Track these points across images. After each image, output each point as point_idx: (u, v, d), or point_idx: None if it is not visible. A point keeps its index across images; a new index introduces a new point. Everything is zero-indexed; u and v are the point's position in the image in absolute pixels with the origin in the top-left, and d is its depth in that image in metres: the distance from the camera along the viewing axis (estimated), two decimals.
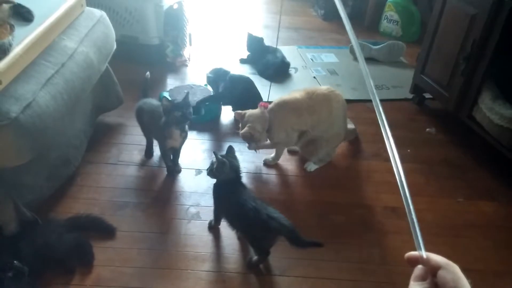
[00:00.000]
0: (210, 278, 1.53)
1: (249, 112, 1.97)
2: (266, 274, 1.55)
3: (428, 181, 2.07)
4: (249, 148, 2.04)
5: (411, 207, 0.62)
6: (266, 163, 2.10)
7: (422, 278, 0.57)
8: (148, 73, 2.09)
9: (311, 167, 2.07)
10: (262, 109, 1.97)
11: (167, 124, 1.81)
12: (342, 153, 2.22)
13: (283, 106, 1.97)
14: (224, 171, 1.56)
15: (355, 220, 1.82)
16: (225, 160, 1.56)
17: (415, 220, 0.60)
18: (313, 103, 1.95)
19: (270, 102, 2.05)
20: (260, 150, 2.13)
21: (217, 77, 2.38)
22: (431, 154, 2.26)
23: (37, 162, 1.48)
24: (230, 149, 1.64)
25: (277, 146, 2.08)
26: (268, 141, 2.05)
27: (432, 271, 0.57)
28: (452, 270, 0.56)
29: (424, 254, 0.58)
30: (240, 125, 2.00)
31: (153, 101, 2.00)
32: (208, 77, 2.41)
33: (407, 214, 0.61)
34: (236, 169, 1.61)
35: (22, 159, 1.36)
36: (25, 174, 1.46)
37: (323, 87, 2.04)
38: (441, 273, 0.56)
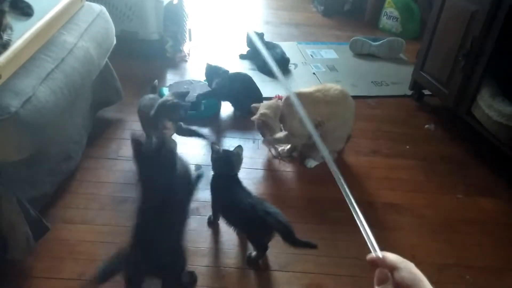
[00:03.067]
0: (210, 273, 1.53)
1: (263, 103, 2.01)
2: (266, 269, 1.55)
3: (427, 177, 2.07)
4: (265, 141, 2.04)
5: (357, 209, 0.63)
6: (281, 155, 2.12)
7: (384, 281, 0.57)
8: (156, 81, 2.10)
9: (311, 163, 2.07)
10: (276, 100, 2.00)
11: (157, 116, 1.80)
12: (342, 149, 2.21)
13: (298, 96, 1.95)
14: (219, 163, 1.58)
15: (354, 216, 1.82)
16: (220, 149, 1.59)
17: (364, 221, 0.62)
18: (330, 95, 1.96)
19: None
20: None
21: (213, 72, 2.37)
22: (430, 150, 2.27)
23: (37, 157, 1.48)
24: (238, 147, 1.64)
25: (293, 140, 2.05)
26: (283, 134, 2.03)
27: (390, 271, 0.57)
28: (406, 268, 0.56)
29: (380, 254, 0.59)
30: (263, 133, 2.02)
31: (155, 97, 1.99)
32: (206, 70, 2.41)
33: (355, 216, 0.63)
34: (230, 163, 1.60)
35: (22, 154, 1.36)
36: (26, 169, 1.46)
37: (338, 86, 2.04)
38: (396, 273, 0.56)
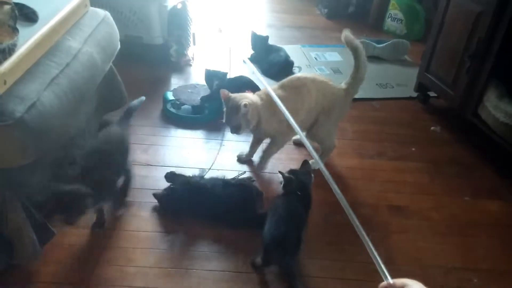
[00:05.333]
0: (214, 277, 1.52)
1: (240, 94, 1.89)
2: (270, 273, 1.55)
3: (433, 180, 2.05)
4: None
5: (371, 245, 0.75)
6: (241, 159, 2.10)
7: None
8: (143, 97, 1.92)
9: (316, 164, 2.06)
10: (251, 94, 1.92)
11: None
12: (346, 152, 2.21)
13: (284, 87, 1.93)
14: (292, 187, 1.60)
15: (359, 219, 1.80)
16: (292, 177, 1.61)
17: (375, 252, 0.72)
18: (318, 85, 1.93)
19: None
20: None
21: (213, 76, 2.38)
22: (436, 152, 2.25)
23: (42, 162, 1.48)
24: (305, 163, 1.65)
25: (278, 142, 2.02)
26: (271, 147, 2.01)
27: None
28: (415, 284, 0.66)
29: (391, 280, 0.71)
30: (224, 107, 1.89)
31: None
32: (205, 75, 2.40)
33: (368, 250, 0.75)
34: (304, 186, 1.63)
35: (27, 159, 1.36)
36: (30, 173, 1.46)
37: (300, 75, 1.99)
38: None
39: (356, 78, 2.00)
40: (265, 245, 1.47)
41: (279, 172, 1.64)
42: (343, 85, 2.00)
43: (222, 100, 1.88)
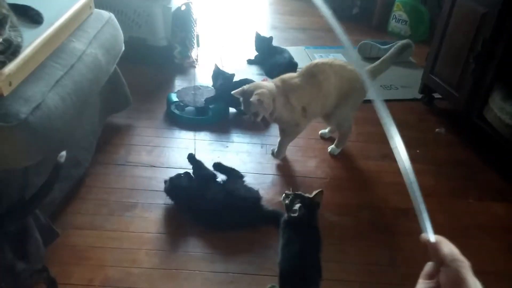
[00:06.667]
0: (218, 278, 1.52)
1: (253, 83, 1.95)
2: (275, 275, 1.54)
3: (437, 182, 2.04)
4: (255, 119, 1.93)
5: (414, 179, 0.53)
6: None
7: (430, 277, 0.49)
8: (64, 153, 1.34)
9: (334, 150, 2.12)
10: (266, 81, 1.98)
11: None
12: (351, 154, 2.20)
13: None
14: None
15: (364, 222, 1.81)
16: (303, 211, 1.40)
17: (418, 195, 0.52)
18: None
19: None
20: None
21: (220, 74, 2.43)
22: (440, 154, 2.24)
23: (47, 163, 1.49)
24: (320, 194, 1.44)
25: (293, 130, 2.03)
26: (285, 137, 2.03)
27: (439, 264, 0.48)
28: (455, 268, 0.47)
29: (433, 238, 0.48)
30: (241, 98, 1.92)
31: None
32: (213, 71, 2.46)
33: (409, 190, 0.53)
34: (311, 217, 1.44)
35: (32, 160, 1.37)
36: (35, 175, 1.47)
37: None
38: (442, 271, 0.47)
39: (377, 68, 2.08)
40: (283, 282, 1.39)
41: (286, 193, 1.47)
42: None
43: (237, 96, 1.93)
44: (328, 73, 1.94)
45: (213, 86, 2.46)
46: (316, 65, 1.97)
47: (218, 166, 1.83)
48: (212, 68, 2.48)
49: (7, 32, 1.30)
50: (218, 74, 2.44)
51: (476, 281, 0.46)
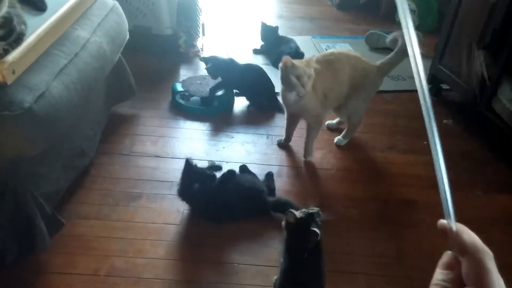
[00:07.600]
0: (223, 269, 1.52)
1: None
2: (279, 266, 1.53)
3: None
4: (299, 92, 1.82)
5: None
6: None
7: (449, 267, 0.45)
8: None
9: (341, 141, 2.12)
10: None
11: None
12: (357, 145, 2.18)
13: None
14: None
15: (370, 213, 1.79)
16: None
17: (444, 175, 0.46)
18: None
19: None
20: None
21: (216, 64, 2.32)
22: (448, 146, 2.21)
23: (51, 152, 1.48)
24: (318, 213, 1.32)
25: (316, 120, 2.00)
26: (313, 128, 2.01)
27: (460, 253, 0.44)
28: (478, 259, 0.43)
29: (454, 226, 0.44)
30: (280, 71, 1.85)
31: None
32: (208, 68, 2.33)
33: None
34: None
35: (36, 149, 1.36)
36: (40, 164, 1.46)
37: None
38: (464, 261, 0.43)
39: (392, 60, 2.05)
40: None
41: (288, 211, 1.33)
42: (377, 63, 2.04)
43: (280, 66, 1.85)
44: (343, 62, 1.95)
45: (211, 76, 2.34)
46: (333, 53, 1.97)
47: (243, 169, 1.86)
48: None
49: (6, 10, 1.26)
50: (216, 66, 2.32)
51: (500, 276, 0.43)
